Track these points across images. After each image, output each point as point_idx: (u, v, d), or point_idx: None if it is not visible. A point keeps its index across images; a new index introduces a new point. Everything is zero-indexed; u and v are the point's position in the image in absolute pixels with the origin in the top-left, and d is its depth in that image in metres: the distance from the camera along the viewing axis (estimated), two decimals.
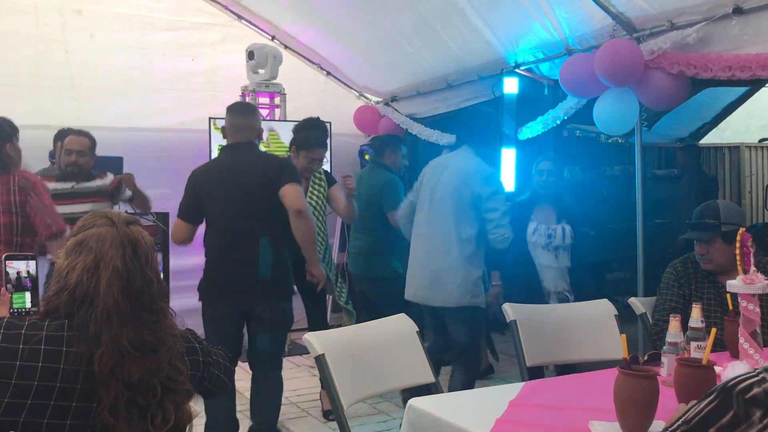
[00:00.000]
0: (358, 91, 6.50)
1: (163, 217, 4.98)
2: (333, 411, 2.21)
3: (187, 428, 1.50)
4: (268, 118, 5.80)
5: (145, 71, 5.69)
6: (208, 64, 5.92)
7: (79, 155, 3.94)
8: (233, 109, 3.46)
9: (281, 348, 3.56)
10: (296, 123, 4.37)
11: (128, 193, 4.25)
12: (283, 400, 4.34)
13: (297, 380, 4.85)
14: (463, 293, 3.44)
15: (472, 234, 3.46)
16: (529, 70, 4.81)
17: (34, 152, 4.95)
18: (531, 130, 4.79)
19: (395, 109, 6.10)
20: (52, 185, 3.78)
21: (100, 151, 4.93)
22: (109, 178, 4.18)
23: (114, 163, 4.72)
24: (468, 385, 3.44)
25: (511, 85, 5.02)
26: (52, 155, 4.59)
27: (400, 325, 2.55)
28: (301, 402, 4.38)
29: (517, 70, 4.85)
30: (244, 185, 3.26)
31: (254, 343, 3.35)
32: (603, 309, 2.91)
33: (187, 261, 5.44)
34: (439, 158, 3.88)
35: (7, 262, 1.81)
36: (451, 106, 5.50)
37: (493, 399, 2.03)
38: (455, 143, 3.86)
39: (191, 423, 1.51)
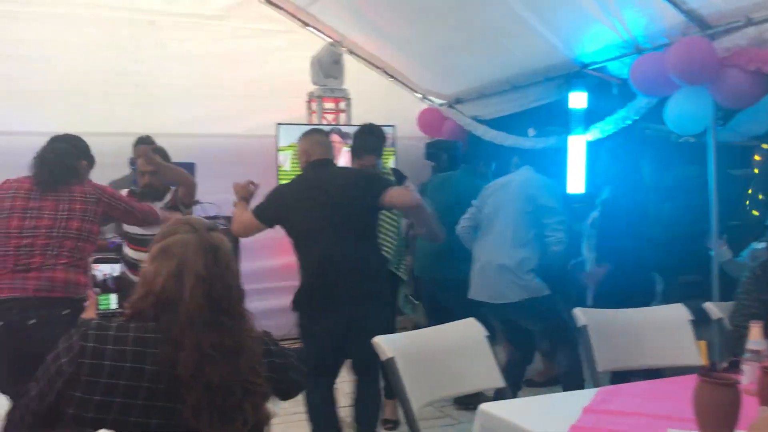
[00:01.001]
0: (421, 94, 6.51)
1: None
2: (404, 413, 2.22)
3: (265, 429, 1.54)
4: (333, 123, 5.87)
5: (214, 79, 5.82)
6: (275, 70, 6.01)
7: (151, 175, 3.98)
8: (311, 130, 3.64)
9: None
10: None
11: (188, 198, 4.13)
12: (351, 401, 4.40)
13: None
14: (522, 288, 3.75)
15: (530, 237, 3.81)
16: (597, 70, 4.73)
17: (109, 159, 5.14)
18: (600, 131, 4.70)
19: (459, 111, 6.08)
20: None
21: (172, 158, 5.11)
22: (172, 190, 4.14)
23: (187, 169, 4.86)
24: (573, 364, 3.77)
25: (577, 100, 4.89)
26: (132, 162, 4.74)
27: (469, 330, 2.55)
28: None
29: (584, 71, 4.77)
30: (339, 198, 3.29)
31: (360, 352, 3.27)
32: (677, 313, 2.83)
33: (258, 264, 5.58)
34: (500, 179, 4.13)
35: (94, 265, 1.90)
36: (516, 108, 5.45)
37: (566, 405, 2.01)
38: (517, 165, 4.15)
39: (269, 424, 1.54)
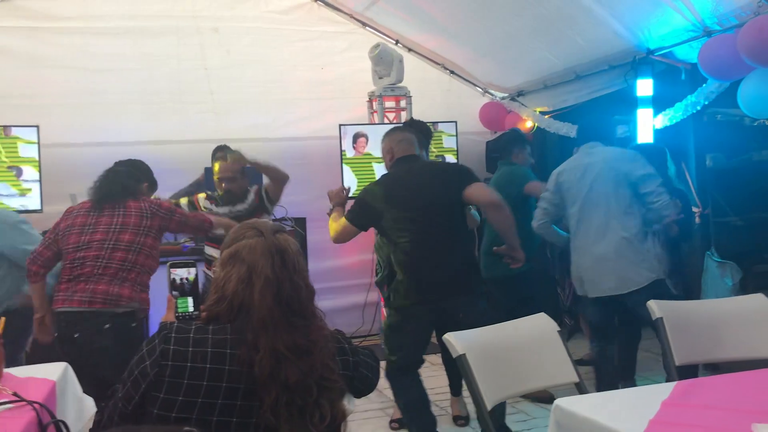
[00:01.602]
0: (482, 88, 6.46)
1: (301, 222, 5.19)
2: (476, 410, 2.22)
3: (342, 426, 1.56)
4: (394, 121, 5.89)
5: (278, 82, 5.94)
6: (337, 71, 6.08)
7: (229, 182, 4.06)
8: (392, 129, 3.64)
9: None
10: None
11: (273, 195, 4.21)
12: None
13: (434, 379, 4.87)
14: (648, 270, 3.56)
15: (635, 213, 3.60)
16: (663, 55, 4.60)
17: (181, 166, 5.34)
18: (669, 117, 4.57)
19: (522, 104, 6.01)
20: (214, 209, 4.08)
21: None
22: (254, 189, 4.23)
23: (254, 174, 4.97)
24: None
25: (644, 87, 4.75)
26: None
27: (540, 325, 2.52)
28: (439, 401, 4.40)
29: (651, 57, 4.65)
30: (429, 192, 3.31)
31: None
32: (757, 304, 2.73)
33: (325, 264, 5.66)
34: (571, 161, 3.87)
35: (171, 269, 1.96)
36: (581, 98, 5.36)
37: (643, 399, 1.96)
38: (578, 140, 3.96)
39: (346, 420, 1.57)
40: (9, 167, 4.98)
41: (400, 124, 3.83)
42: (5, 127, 4.96)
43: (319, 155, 5.77)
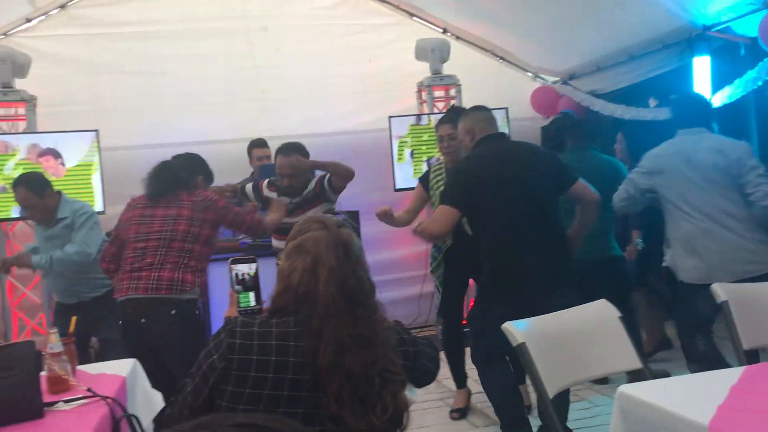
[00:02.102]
0: (533, 73, 6.38)
1: (354, 215, 5.22)
2: (538, 399, 2.21)
3: (404, 417, 1.58)
4: (444, 111, 5.86)
5: (327, 77, 5.97)
6: (384, 63, 6.08)
7: (290, 178, 4.03)
8: (471, 108, 3.51)
9: None
10: None
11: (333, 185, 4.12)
12: (480, 389, 4.40)
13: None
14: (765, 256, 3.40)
15: (744, 201, 3.42)
16: (721, 31, 4.45)
17: (233, 164, 5.44)
18: (728, 95, 4.43)
19: (575, 87, 5.91)
20: (275, 196, 4.09)
21: None
22: (317, 178, 4.15)
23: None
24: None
25: (701, 65, 4.58)
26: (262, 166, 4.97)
27: (601, 311, 2.49)
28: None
29: (707, 33, 4.51)
30: (529, 175, 3.20)
31: None
32: None
33: (380, 256, 5.68)
34: (672, 146, 3.63)
35: (232, 265, 2.01)
36: (635, 78, 5.23)
37: (710, 384, 1.92)
38: (675, 124, 3.72)
39: (408, 411, 1.59)
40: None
41: (468, 108, 3.66)
42: (65, 132, 5.13)
43: (370, 148, 5.79)
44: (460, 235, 3.68)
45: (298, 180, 4.05)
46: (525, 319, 2.37)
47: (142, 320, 3.14)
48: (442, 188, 3.99)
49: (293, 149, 3.99)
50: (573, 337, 2.38)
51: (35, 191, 3.83)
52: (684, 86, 4.72)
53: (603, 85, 5.63)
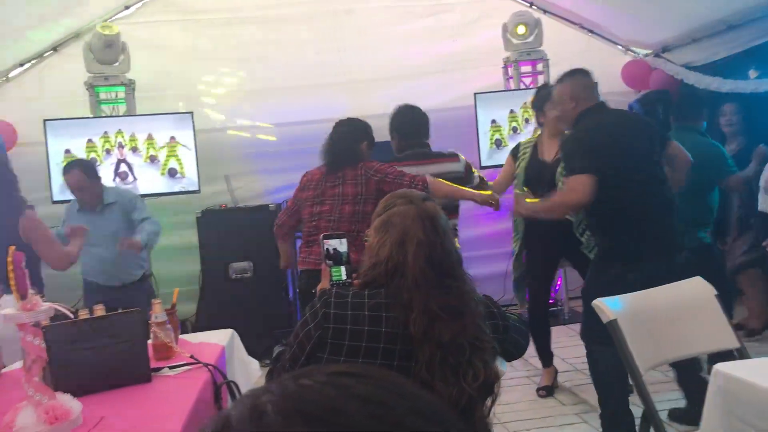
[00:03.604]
0: (624, 46, 6.17)
1: None
2: (631, 377, 2.18)
3: (495, 386, 1.60)
4: (531, 86, 5.77)
5: (410, 58, 5.99)
6: (469, 41, 6.04)
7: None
8: (575, 72, 3.36)
9: None
10: None
11: (476, 179, 3.94)
12: (569, 367, 4.37)
13: (581, 347, 4.79)
14: None
15: None
16: None
17: (320, 144, 5.56)
18: None
19: (668, 60, 5.69)
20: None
21: (376, 137, 5.38)
22: (461, 162, 3.90)
23: (390, 148, 5.08)
24: None
25: None
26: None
27: (696, 289, 2.43)
28: (587, 369, 4.32)
29: None
30: (641, 145, 3.14)
31: None
32: None
33: (465, 233, 5.67)
34: None
35: (324, 240, 2.08)
36: (734, 49, 4.98)
37: None
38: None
39: (499, 381, 1.61)
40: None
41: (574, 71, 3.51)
42: (159, 115, 5.36)
43: (453, 125, 5.77)
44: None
45: None
46: (617, 296, 2.33)
47: (313, 290, 3.33)
48: (524, 162, 3.95)
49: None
50: (667, 315, 2.33)
51: (89, 175, 4.10)
52: None
53: (698, 57, 5.39)
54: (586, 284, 3.28)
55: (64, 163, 4.61)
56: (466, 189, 3.62)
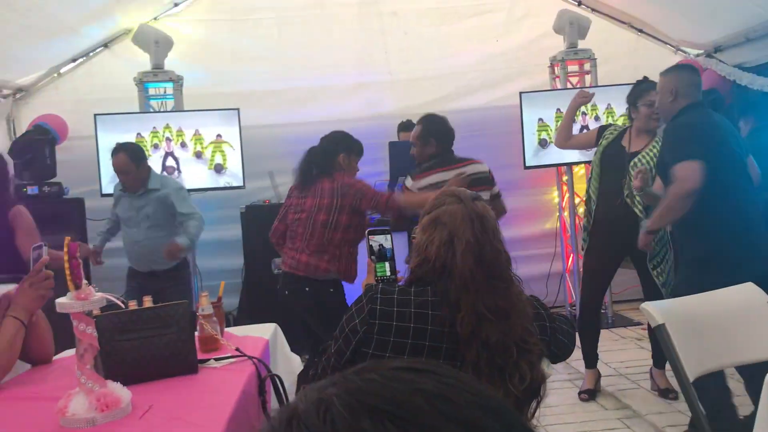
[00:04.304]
0: (674, 46, 6.05)
1: None
2: (678, 383, 2.14)
3: (541, 388, 1.59)
4: (578, 86, 5.70)
5: (455, 57, 6.00)
6: (515, 40, 6.01)
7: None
8: (682, 67, 3.40)
9: None
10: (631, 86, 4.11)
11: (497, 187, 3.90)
12: (612, 371, 4.31)
13: (624, 352, 4.75)
14: None
15: None
16: None
17: (366, 141, 5.58)
18: None
19: (720, 60, 5.56)
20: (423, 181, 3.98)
21: None
22: (484, 164, 3.88)
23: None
24: None
25: None
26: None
27: (747, 295, 2.36)
28: (630, 374, 4.27)
29: None
30: (741, 148, 3.12)
31: None
32: None
33: (508, 233, 5.62)
34: None
35: (369, 236, 2.08)
36: None
37: None
38: None
39: (545, 383, 1.59)
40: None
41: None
42: (206, 111, 5.44)
43: (497, 124, 5.76)
44: (610, 206, 3.61)
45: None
46: (665, 300, 2.29)
47: (286, 292, 3.60)
48: (606, 142, 3.88)
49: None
50: (718, 321, 2.27)
51: (133, 159, 4.18)
52: None
53: (752, 58, 5.24)
54: (677, 290, 3.13)
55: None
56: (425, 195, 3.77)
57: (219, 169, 5.42)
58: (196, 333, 2.33)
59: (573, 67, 5.81)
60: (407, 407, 0.52)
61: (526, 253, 5.70)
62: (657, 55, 6.04)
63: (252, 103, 5.69)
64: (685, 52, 6.00)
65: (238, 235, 5.38)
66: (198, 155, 5.39)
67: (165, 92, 5.61)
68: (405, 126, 5.40)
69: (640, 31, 6.02)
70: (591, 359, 4.02)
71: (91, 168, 5.21)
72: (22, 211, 3.44)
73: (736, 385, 3.25)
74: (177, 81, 5.51)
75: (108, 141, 5.24)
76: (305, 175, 3.64)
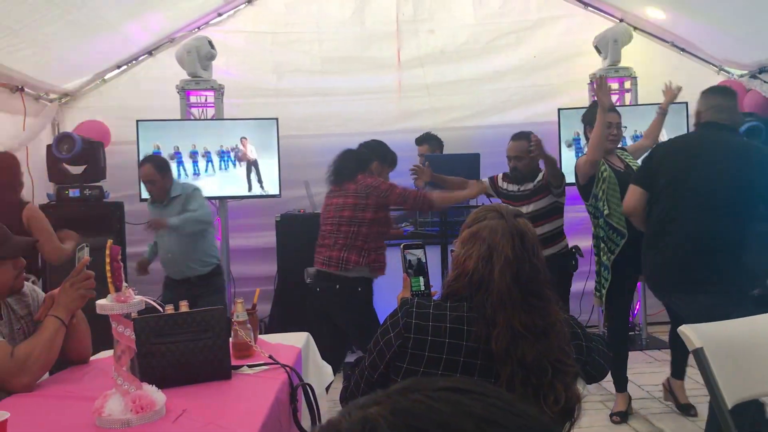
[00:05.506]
0: (717, 66, 5.96)
1: None
2: (716, 409, 2.09)
3: (576, 409, 1.56)
4: (617, 103, 5.64)
5: (493, 73, 6.02)
6: (554, 57, 6.00)
7: (516, 161, 4.22)
8: (712, 89, 3.46)
9: None
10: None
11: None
12: (645, 395, 4.24)
13: (657, 375, 4.65)
14: None
15: None
16: None
17: (402, 153, 5.62)
18: None
19: (764, 81, 5.46)
20: (505, 186, 4.33)
21: (456, 149, 5.41)
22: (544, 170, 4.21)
23: (471, 160, 5.08)
24: None
25: None
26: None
27: None
28: (663, 397, 4.19)
29: None
30: (730, 168, 3.12)
31: None
32: None
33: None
34: None
35: (405, 250, 2.08)
36: None
37: None
38: None
39: (580, 404, 1.57)
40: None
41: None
42: (246, 120, 5.52)
43: None
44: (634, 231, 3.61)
45: (523, 164, 4.20)
46: (704, 324, 2.24)
47: (318, 289, 3.75)
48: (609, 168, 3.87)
49: (522, 136, 4.22)
50: (758, 347, 2.22)
51: (159, 169, 4.40)
52: None
53: None
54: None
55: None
56: (462, 192, 4.23)
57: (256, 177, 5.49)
58: (230, 339, 2.35)
59: (613, 85, 5.75)
60: (456, 431, 0.52)
61: None
62: (699, 75, 5.95)
63: (290, 113, 5.76)
64: (728, 72, 5.91)
65: (272, 243, 5.43)
66: (236, 162, 5.47)
67: (206, 100, 5.69)
68: (423, 139, 5.42)
69: (683, 50, 5.95)
70: (621, 382, 3.94)
71: (131, 173, 5.30)
72: (35, 211, 3.69)
73: None
74: (218, 89, 5.59)
75: (149, 147, 5.34)
76: (337, 174, 3.84)
